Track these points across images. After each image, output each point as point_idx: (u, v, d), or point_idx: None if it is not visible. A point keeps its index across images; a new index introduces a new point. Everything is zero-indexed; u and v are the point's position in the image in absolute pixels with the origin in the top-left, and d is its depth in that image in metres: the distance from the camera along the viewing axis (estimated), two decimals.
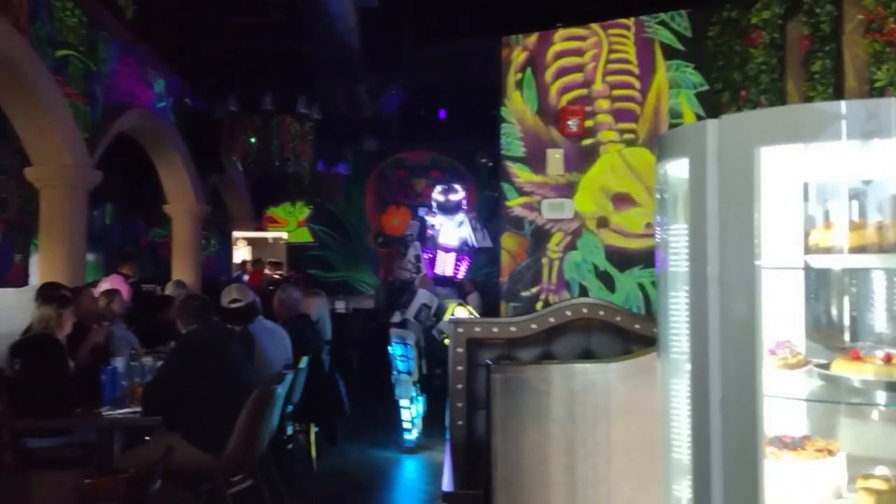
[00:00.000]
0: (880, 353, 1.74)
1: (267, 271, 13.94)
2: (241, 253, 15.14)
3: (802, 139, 1.53)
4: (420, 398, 6.99)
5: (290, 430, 5.79)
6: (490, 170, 12.67)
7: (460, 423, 3.81)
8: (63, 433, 4.79)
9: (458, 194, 6.41)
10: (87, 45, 7.72)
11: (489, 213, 14.38)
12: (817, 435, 1.89)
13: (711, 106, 4.04)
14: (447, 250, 6.27)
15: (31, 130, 7.07)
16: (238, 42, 8.34)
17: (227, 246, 14.88)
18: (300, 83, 8.78)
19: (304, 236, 15.64)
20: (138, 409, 4.47)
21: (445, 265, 6.30)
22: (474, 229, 6.44)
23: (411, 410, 6.83)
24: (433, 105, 11.68)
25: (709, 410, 1.58)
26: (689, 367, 1.76)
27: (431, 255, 6.31)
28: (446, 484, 3.27)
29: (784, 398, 1.70)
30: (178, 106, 10.14)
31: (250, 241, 15.38)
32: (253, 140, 8.43)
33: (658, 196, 1.86)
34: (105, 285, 7.20)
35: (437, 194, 6.60)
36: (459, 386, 3.83)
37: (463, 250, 6.33)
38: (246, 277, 14.06)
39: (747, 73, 3.61)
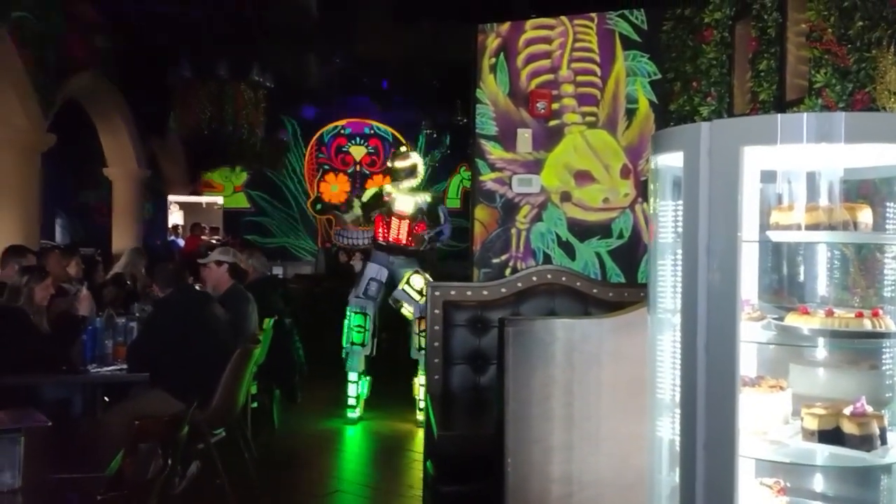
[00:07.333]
0: (822, 311, 2.20)
1: (204, 237, 13.93)
2: (174, 218, 15.00)
3: (775, 142, 1.96)
4: (366, 379, 6.86)
5: (254, 390, 6.07)
6: (434, 140, 12.98)
7: (437, 377, 4.16)
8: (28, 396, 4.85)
9: (410, 159, 6.36)
10: (40, 6, 7.65)
11: (430, 181, 14.70)
12: (768, 376, 2.35)
13: (664, 94, 4.48)
14: (402, 217, 6.34)
15: None
16: (190, 4, 8.35)
17: (162, 210, 14.77)
18: (251, 50, 8.86)
19: (241, 202, 15.65)
20: (124, 366, 4.71)
21: (400, 231, 6.36)
22: (444, 220, 6.43)
23: (357, 387, 6.72)
24: (377, 75, 11.86)
25: (696, 353, 2.00)
26: (674, 322, 2.18)
27: (387, 221, 6.37)
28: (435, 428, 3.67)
29: (752, 342, 2.15)
30: (125, 69, 10.06)
31: (183, 206, 15.22)
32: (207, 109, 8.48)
33: (651, 182, 2.27)
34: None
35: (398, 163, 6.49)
36: (436, 344, 4.16)
37: (417, 217, 6.40)
38: (181, 242, 14.03)
39: (699, 67, 4.03)
